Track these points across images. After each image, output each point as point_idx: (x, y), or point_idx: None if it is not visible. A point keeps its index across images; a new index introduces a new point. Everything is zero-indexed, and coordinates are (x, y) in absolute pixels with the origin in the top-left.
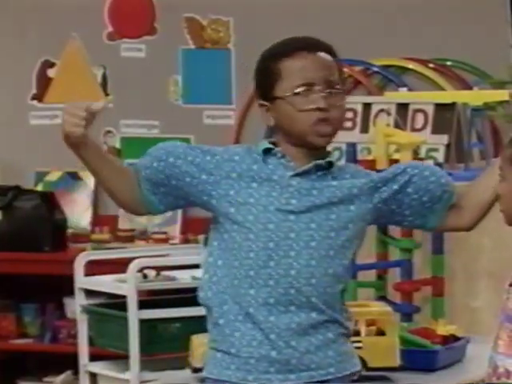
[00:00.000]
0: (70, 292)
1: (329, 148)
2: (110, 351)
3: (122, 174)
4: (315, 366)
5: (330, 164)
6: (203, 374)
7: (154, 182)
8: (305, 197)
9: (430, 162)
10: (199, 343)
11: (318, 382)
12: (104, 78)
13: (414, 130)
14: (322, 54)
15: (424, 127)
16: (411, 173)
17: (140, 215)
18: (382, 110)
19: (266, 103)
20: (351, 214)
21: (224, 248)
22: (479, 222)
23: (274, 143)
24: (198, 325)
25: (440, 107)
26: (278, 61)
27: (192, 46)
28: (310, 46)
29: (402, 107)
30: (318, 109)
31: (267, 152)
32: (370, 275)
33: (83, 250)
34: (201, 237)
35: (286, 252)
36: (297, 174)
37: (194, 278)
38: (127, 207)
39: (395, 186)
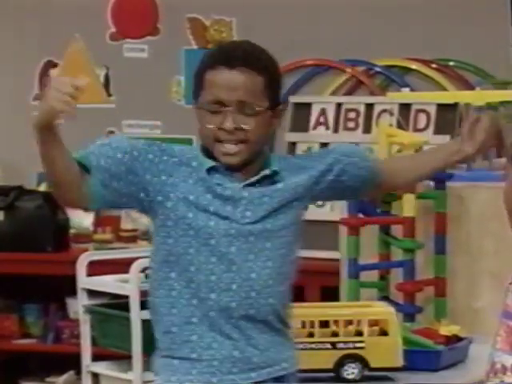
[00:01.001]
0: (73, 292)
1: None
2: (112, 351)
3: (73, 164)
4: (272, 362)
5: (276, 172)
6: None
7: (110, 174)
8: (258, 206)
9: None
10: None
11: (274, 378)
12: (107, 78)
13: (416, 130)
14: (238, 73)
15: (426, 127)
16: (344, 162)
17: (76, 208)
18: (384, 111)
19: (195, 107)
20: (296, 211)
21: (175, 252)
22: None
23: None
24: None
25: (442, 107)
26: (203, 70)
27: (195, 47)
28: (232, 60)
29: (405, 107)
30: (222, 129)
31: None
32: (373, 275)
33: (85, 250)
34: None
35: (245, 256)
36: (245, 185)
37: None
38: (70, 200)
39: (331, 177)
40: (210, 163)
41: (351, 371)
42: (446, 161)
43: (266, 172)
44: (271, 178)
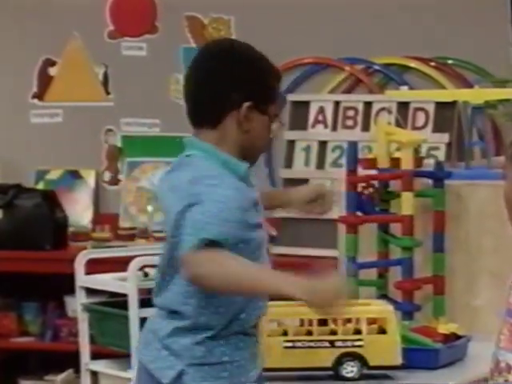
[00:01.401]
0: (71, 290)
1: None
2: (111, 350)
3: None
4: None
5: None
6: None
7: None
8: None
9: (431, 162)
10: None
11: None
12: (105, 76)
13: (414, 128)
14: None
15: (425, 126)
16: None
17: None
18: (383, 109)
19: (253, 109)
20: None
21: None
22: None
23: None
24: None
25: (441, 106)
26: (276, 81)
27: (193, 45)
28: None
29: (403, 106)
30: (273, 137)
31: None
32: (371, 274)
33: (84, 248)
34: None
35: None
36: None
37: None
38: None
39: None
40: (244, 166)
41: (350, 369)
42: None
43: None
44: None
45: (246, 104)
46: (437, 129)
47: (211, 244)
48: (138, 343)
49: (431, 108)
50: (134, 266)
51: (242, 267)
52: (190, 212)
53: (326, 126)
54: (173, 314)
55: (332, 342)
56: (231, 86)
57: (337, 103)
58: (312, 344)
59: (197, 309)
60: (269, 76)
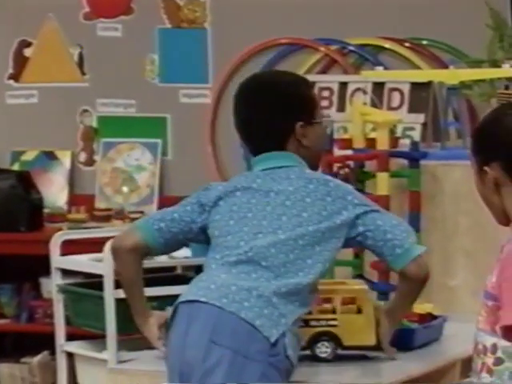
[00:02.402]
0: (46, 272)
1: None
2: (86, 331)
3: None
4: None
5: None
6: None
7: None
8: None
9: (406, 142)
10: None
11: None
12: (80, 57)
13: (390, 108)
14: None
15: (400, 106)
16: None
17: None
18: (358, 89)
19: (305, 124)
20: None
21: None
22: None
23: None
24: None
25: (416, 86)
26: (312, 90)
27: (168, 26)
28: None
29: (378, 86)
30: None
31: None
32: (348, 254)
33: (59, 229)
34: None
35: None
36: None
37: (170, 257)
38: None
39: None
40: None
41: (324, 350)
42: None
43: None
44: None
45: (298, 125)
46: (412, 109)
47: None
48: (230, 299)
49: (406, 88)
50: (109, 247)
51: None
52: (385, 215)
53: (339, 109)
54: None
55: (306, 322)
56: (282, 117)
57: (312, 84)
58: None
59: (312, 286)
60: (305, 90)
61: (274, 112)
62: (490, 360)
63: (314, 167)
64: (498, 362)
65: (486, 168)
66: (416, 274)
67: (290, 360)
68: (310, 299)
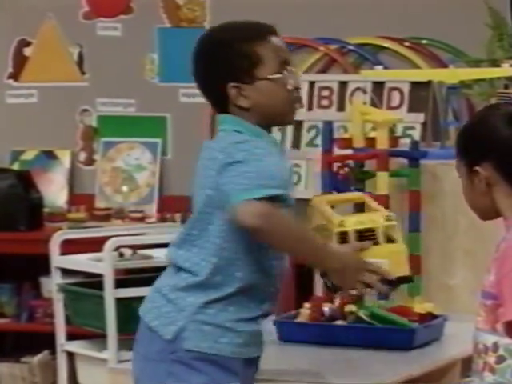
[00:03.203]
0: (46, 271)
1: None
2: (87, 330)
3: None
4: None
5: None
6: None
7: None
8: None
9: (406, 141)
10: None
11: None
12: (80, 56)
13: (390, 108)
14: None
15: (400, 105)
16: None
17: None
18: (357, 89)
19: (239, 85)
20: None
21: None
22: None
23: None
24: None
25: (416, 85)
26: (254, 44)
27: (168, 25)
28: (273, 29)
29: (378, 85)
30: (296, 88)
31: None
32: None
33: (59, 229)
34: (177, 215)
35: None
36: None
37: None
38: None
39: None
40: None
41: None
42: None
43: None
44: None
45: (229, 86)
46: (412, 108)
47: (267, 199)
48: (144, 303)
49: (406, 88)
50: (109, 246)
51: (302, 228)
52: (244, 165)
53: (301, 106)
54: (184, 271)
55: None
56: (210, 81)
57: (312, 83)
58: None
59: (215, 268)
60: (235, 47)
61: (203, 78)
62: (491, 359)
63: (281, 123)
64: (500, 360)
65: (477, 168)
66: (241, 222)
67: (199, 351)
68: (224, 281)
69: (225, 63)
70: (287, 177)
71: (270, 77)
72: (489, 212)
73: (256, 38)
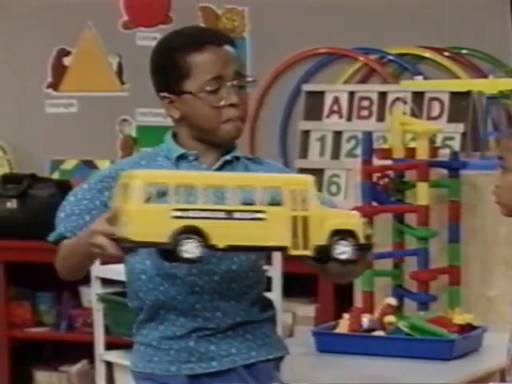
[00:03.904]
0: (86, 281)
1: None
2: (126, 340)
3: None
4: (235, 350)
5: (237, 158)
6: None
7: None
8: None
9: (446, 152)
10: None
11: (243, 366)
12: (119, 66)
13: (429, 118)
14: (229, 47)
15: (440, 115)
16: None
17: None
18: (397, 99)
19: (169, 96)
20: None
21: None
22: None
23: (174, 134)
24: None
25: (455, 95)
26: (187, 55)
27: None
28: (216, 38)
29: (418, 96)
30: (230, 105)
31: (179, 157)
32: (387, 264)
33: None
34: None
35: (208, 259)
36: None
37: None
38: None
39: None
40: (179, 151)
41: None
42: None
43: (228, 158)
44: (237, 166)
45: (161, 95)
46: (452, 119)
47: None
48: None
49: (446, 98)
50: None
51: (65, 246)
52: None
53: (340, 117)
54: None
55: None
56: (153, 86)
57: (351, 93)
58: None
59: (129, 294)
60: (178, 56)
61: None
62: None
63: (211, 141)
64: None
65: None
66: None
67: (138, 371)
68: (138, 302)
69: (160, 72)
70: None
71: (193, 91)
72: None
73: (191, 48)
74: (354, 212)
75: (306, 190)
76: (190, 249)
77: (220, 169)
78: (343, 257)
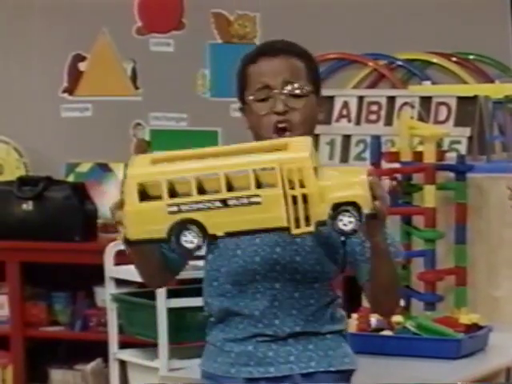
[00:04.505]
0: (100, 281)
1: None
2: (139, 339)
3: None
4: (294, 358)
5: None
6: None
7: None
8: None
9: (453, 155)
10: None
11: (300, 374)
12: (134, 71)
13: (437, 122)
14: (283, 58)
15: (447, 120)
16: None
17: (165, 284)
18: (405, 103)
19: (240, 106)
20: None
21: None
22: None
23: None
24: None
25: (462, 100)
26: (246, 66)
27: (219, 41)
28: (272, 49)
29: (426, 100)
30: (275, 113)
31: None
32: None
33: (113, 239)
34: None
35: (271, 266)
36: None
37: None
38: (162, 283)
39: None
40: None
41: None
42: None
43: None
44: None
45: (238, 106)
46: (459, 123)
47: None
48: None
49: (453, 102)
50: None
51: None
52: None
53: (349, 121)
54: None
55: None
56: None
57: (360, 98)
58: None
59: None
60: (241, 68)
61: None
62: None
63: None
64: None
65: None
66: None
67: (204, 370)
68: (209, 306)
69: (236, 83)
70: None
71: (248, 101)
72: None
73: (249, 60)
74: (361, 175)
75: (302, 167)
76: (189, 240)
77: None
78: (347, 228)
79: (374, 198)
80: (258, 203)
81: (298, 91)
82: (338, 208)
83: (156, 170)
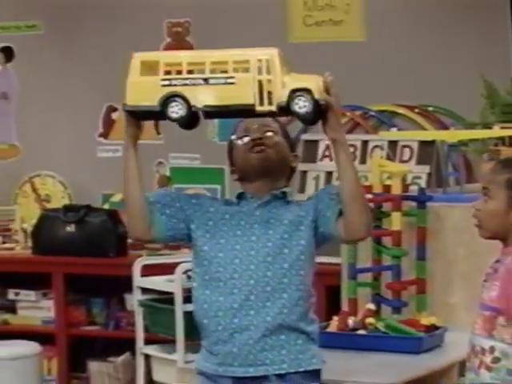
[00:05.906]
0: (130, 289)
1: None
2: (160, 337)
3: (142, 192)
4: (269, 361)
5: (284, 193)
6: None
7: (163, 204)
8: (265, 222)
9: (415, 188)
10: None
11: (274, 375)
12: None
13: (402, 161)
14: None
15: (410, 159)
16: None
17: (143, 238)
18: (376, 146)
19: (231, 169)
20: (301, 234)
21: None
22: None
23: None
24: None
25: (423, 144)
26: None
27: None
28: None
29: (393, 144)
30: (252, 139)
31: (241, 197)
32: (368, 277)
33: (140, 256)
34: None
35: (247, 266)
36: (259, 206)
37: None
38: (138, 227)
39: (314, 207)
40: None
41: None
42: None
43: (276, 192)
44: (285, 203)
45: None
46: (420, 162)
47: None
48: None
49: (415, 145)
50: (179, 270)
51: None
52: None
53: (331, 160)
54: None
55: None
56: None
57: None
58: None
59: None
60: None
61: None
62: (488, 359)
63: (251, 181)
64: (496, 360)
65: None
66: None
67: (197, 368)
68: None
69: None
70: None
71: (234, 145)
72: (498, 233)
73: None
74: (318, 76)
75: (270, 59)
76: (175, 110)
77: (268, 202)
78: (302, 111)
79: (328, 94)
80: (232, 83)
81: (270, 133)
82: (295, 93)
83: (156, 53)
